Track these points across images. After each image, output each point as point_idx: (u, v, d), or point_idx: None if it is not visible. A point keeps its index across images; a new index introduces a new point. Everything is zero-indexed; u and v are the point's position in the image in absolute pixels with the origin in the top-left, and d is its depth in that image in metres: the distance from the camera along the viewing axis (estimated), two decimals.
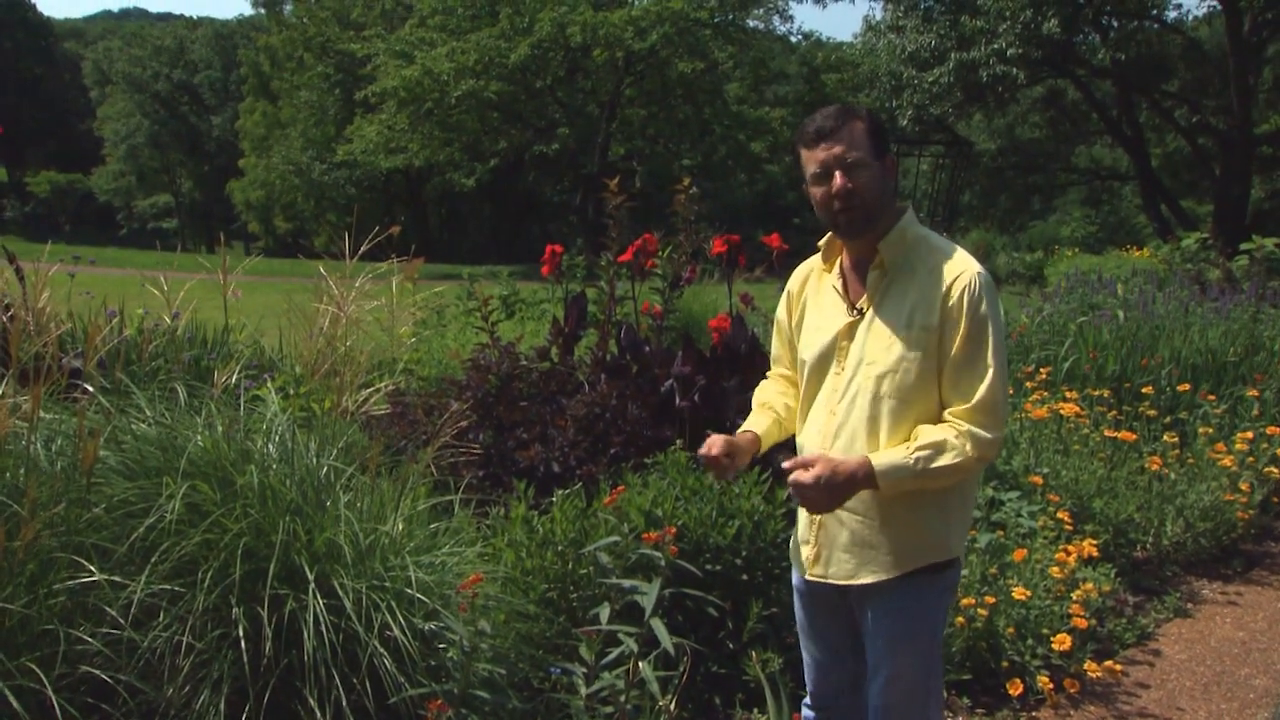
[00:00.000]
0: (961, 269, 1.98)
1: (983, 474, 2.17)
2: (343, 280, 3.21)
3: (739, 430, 2.26)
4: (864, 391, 2.02)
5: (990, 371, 1.94)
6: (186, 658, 2.30)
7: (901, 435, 1.99)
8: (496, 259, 28.15)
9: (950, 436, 1.93)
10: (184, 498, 2.43)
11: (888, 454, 1.95)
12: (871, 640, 2.12)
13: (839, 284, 2.12)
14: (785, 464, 2.00)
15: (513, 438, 3.85)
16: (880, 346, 2.01)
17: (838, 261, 2.14)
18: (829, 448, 2.05)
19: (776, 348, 2.36)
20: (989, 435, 1.94)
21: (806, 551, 2.16)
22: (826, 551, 2.10)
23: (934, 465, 1.92)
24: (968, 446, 1.93)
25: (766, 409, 2.31)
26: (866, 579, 2.05)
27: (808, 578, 2.17)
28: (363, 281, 3.28)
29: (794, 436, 2.24)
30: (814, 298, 2.19)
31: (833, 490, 1.93)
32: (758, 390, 2.38)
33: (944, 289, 1.97)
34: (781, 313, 2.29)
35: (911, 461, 1.92)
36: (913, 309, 1.99)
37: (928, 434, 1.95)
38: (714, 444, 2.13)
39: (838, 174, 1.97)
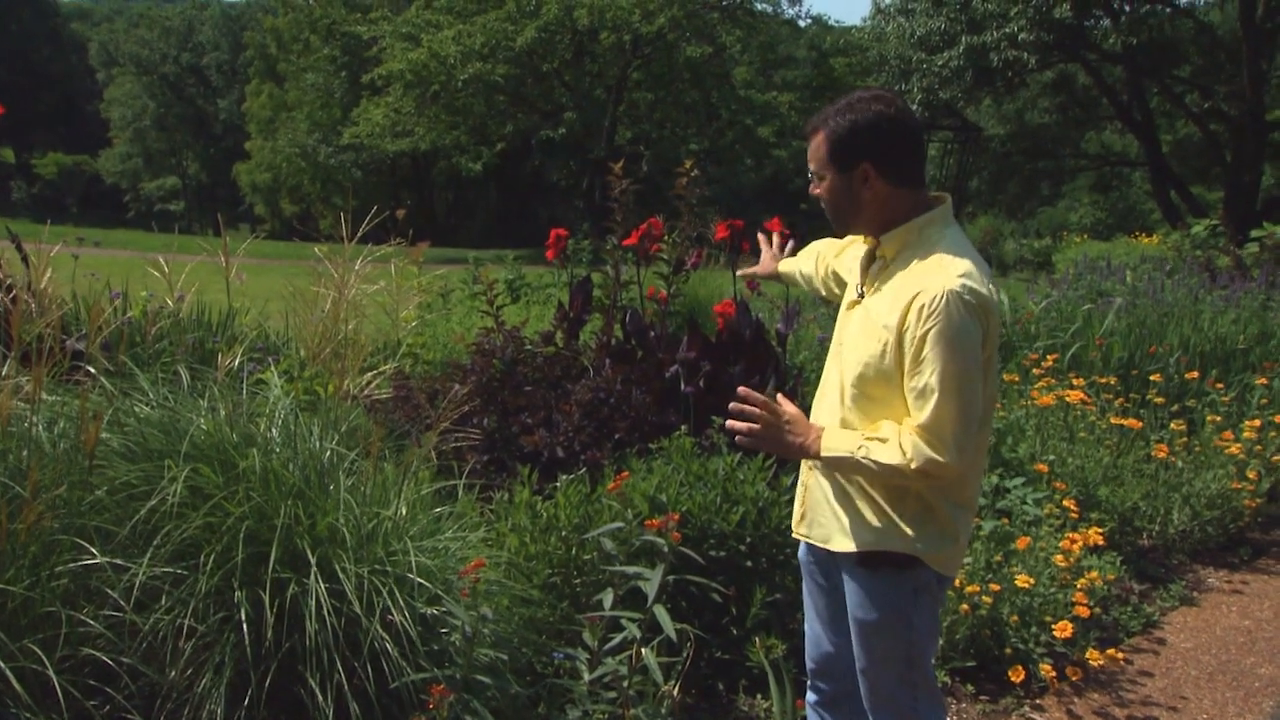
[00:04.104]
0: (931, 281, 1.87)
1: (972, 488, 2.14)
2: (342, 263, 3.19)
3: None
4: (837, 375, 2.09)
5: (935, 396, 1.85)
6: (188, 641, 2.31)
7: (862, 427, 2.02)
8: (502, 243, 28.13)
9: (895, 437, 1.91)
10: (186, 481, 2.42)
11: (842, 432, 2.00)
12: (850, 623, 2.16)
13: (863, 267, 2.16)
14: (733, 406, 2.05)
15: (517, 422, 3.84)
16: (854, 334, 2.05)
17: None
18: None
19: (829, 245, 2.44)
20: (935, 457, 1.86)
21: (795, 510, 2.26)
22: (811, 513, 2.19)
23: (872, 456, 1.92)
24: (909, 454, 1.88)
25: (811, 252, 2.51)
26: (836, 547, 2.11)
27: (794, 536, 2.27)
28: (362, 264, 3.26)
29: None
30: (850, 276, 2.22)
31: (776, 435, 2.01)
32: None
33: (911, 295, 1.89)
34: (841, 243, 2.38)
35: (856, 445, 1.95)
36: (885, 305, 1.97)
37: (885, 427, 1.95)
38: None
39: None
